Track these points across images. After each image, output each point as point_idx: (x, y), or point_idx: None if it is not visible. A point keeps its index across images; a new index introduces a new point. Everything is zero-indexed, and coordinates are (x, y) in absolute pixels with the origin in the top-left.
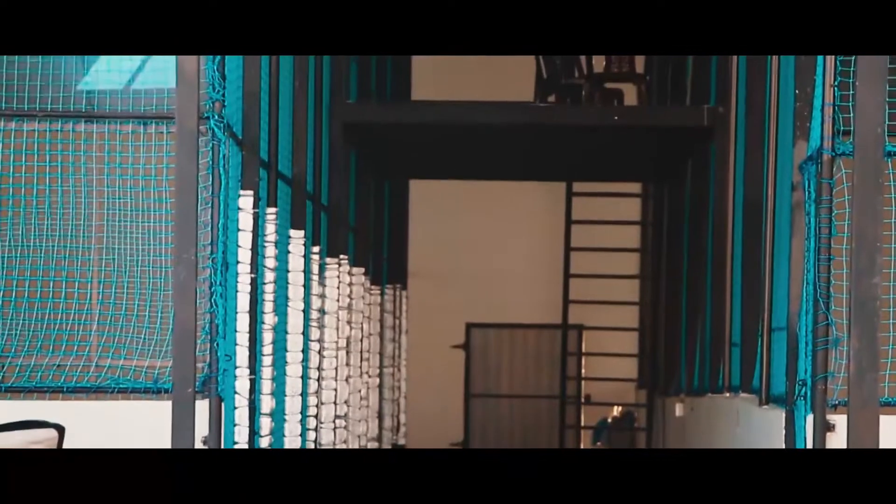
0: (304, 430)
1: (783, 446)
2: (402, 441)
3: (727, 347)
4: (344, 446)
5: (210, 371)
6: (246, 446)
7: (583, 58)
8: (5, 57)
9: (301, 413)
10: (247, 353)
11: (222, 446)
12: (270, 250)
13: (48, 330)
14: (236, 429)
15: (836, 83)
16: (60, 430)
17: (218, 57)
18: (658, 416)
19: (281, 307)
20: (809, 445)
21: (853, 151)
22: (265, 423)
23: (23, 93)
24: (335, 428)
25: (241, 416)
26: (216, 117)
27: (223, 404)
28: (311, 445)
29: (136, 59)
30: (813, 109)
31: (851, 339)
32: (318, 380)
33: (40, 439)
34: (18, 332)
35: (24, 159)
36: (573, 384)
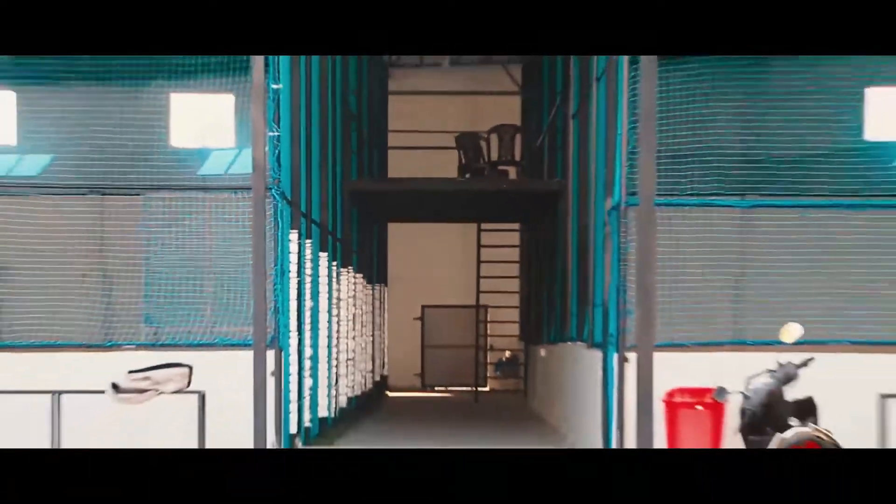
0: (330, 367)
1: (600, 374)
2: (386, 373)
3: (569, 315)
4: (352, 378)
5: (275, 334)
6: (296, 378)
7: (484, 151)
8: (159, 153)
9: (328, 357)
10: (296, 323)
11: (283, 379)
12: (308, 265)
13: (188, 314)
14: (291, 367)
15: (628, 163)
16: (190, 368)
17: (277, 150)
18: (531, 357)
19: (315, 296)
20: (615, 373)
21: (638, 203)
22: (307, 364)
23: (164, 173)
24: (348, 365)
25: (293, 360)
26: (276, 188)
27: (283, 353)
28: (335, 377)
29: (232, 154)
30: (615, 177)
31: (637, 310)
32: (337, 338)
33: (179, 373)
34: (164, 315)
35: (163, 217)
36: (484, 339)
